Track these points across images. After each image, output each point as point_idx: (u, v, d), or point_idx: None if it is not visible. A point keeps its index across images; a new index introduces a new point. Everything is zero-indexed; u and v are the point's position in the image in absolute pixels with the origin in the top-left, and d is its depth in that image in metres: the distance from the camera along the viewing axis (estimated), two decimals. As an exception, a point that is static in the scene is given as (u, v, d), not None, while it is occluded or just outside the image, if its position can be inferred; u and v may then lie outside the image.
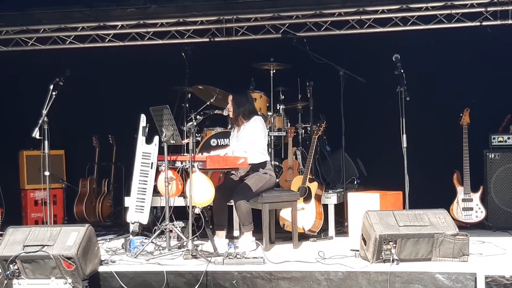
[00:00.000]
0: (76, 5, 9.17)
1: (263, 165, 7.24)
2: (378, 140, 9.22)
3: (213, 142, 8.40)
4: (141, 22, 9.28)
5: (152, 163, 7.39)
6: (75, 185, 9.71)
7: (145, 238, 7.05)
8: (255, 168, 7.20)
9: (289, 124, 8.74)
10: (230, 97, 7.31)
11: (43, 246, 5.94)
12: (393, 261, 5.98)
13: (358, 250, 6.42)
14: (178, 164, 6.88)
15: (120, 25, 9.38)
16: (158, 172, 7.23)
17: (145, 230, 7.64)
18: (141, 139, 7.46)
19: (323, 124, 8.08)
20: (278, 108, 8.74)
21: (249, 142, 7.14)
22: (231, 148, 7.35)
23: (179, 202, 7.18)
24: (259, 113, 7.93)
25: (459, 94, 9.00)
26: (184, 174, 6.95)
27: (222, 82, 8.51)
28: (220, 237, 7.19)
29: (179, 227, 6.97)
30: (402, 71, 7.01)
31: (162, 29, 9.39)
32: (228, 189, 7.20)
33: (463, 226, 7.89)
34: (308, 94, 8.62)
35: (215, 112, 7.46)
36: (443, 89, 9.17)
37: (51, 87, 7.16)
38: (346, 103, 8.16)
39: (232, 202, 7.23)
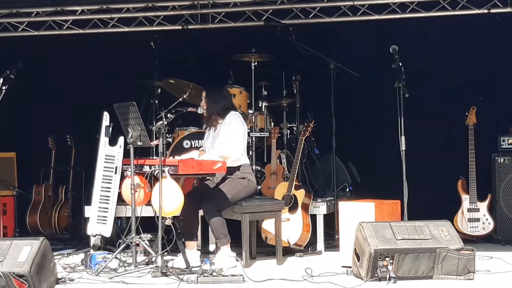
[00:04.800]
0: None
1: (240, 169, 7.23)
2: (373, 142, 9.25)
3: (186, 143, 8.39)
4: (104, 6, 9.23)
5: (116, 167, 7.37)
6: (28, 192, 9.64)
7: (108, 253, 7.02)
8: (231, 171, 7.19)
9: (272, 124, 8.75)
10: (204, 94, 7.32)
11: (-9, 262, 5.90)
12: (389, 279, 6.01)
13: (350, 267, 6.45)
14: (146, 168, 6.86)
15: (80, 10, 9.32)
16: (123, 178, 7.21)
17: (108, 244, 7.61)
18: (103, 140, 7.43)
19: (311, 123, 8.10)
20: (260, 105, 8.75)
21: (226, 142, 7.12)
22: (206, 149, 7.36)
23: (147, 212, 7.16)
24: (238, 111, 7.93)
25: (465, 91, 9.04)
26: (153, 180, 6.93)
27: (197, 76, 8.51)
28: (191, 248, 7.18)
29: (147, 240, 6.95)
30: (400, 64, 7.05)
31: (128, 15, 9.34)
32: (201, 195, 7.19)
33: (468, 240, 7.94)
34: (294, 90, 8.64)
35: (189, 109, 7.45)
36: (447, 85, 9.21)
37: (1, 80, 7.13)
38: (337, 100, 8.19)
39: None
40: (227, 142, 7.13)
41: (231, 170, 7.20)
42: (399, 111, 6.98)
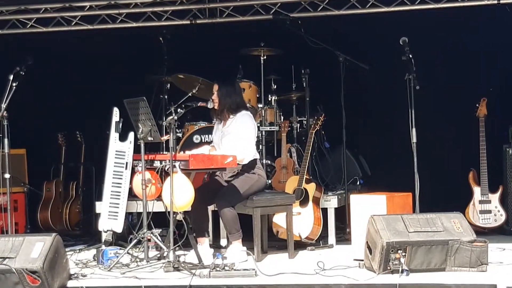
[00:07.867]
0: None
1: (251, 164, 7.24)
2: (383, 135, 9.25)
3: (196, 138, 8.40)
4: (112, 2, 9.26)
5: (126, 163, 7.39)
6: (38, 189, 9.67)
7: (120, 249, 7.05)
8: (242, 168, 7.20)
9: (282, 118, 8.75)
10: (216, 87, 7.31)
11: (4, 259, 5.91)
12: (402, 271, 6.00)
13: (362, 260, 6.45)
14: (157, 164, 6.87)
15: (88, 6, 9.36)
16: (133, 173, 7.22)
17: (120, 240, 7.63)
18: (114, 135, 7.45)
19: (321, 117, 8.09)
20: (269, 99, 8.75)
21: (238, 146, 7.11)
22: (215, 145, 7.36)
23: (158, 207, 7.18)
24: (248, 105, 7.94)
25: (475, 82, 9.03)
26: (164, 176, 6.94)
27: (206, 70, 8.51)
28: (202, 244, 7.20)
29: (159, 235, 6.96)
30: (410, 56, 7.03)
31: (136, 10, 9.37)
32: (210, 191, 7.20)
33: (480, 231, 7.92)
34: (304, 83, 8.63)
35: (198, 104, 7.45)
36: (457, 76, 9.20)
37: (11, 77, 7.13)
38: (347, 93, 8.19)
39: (214, 207, 7.25)
40: (240, 146, 7.10)
41: (243, 167, 7.20)
42: (409, 103, 6.96)
